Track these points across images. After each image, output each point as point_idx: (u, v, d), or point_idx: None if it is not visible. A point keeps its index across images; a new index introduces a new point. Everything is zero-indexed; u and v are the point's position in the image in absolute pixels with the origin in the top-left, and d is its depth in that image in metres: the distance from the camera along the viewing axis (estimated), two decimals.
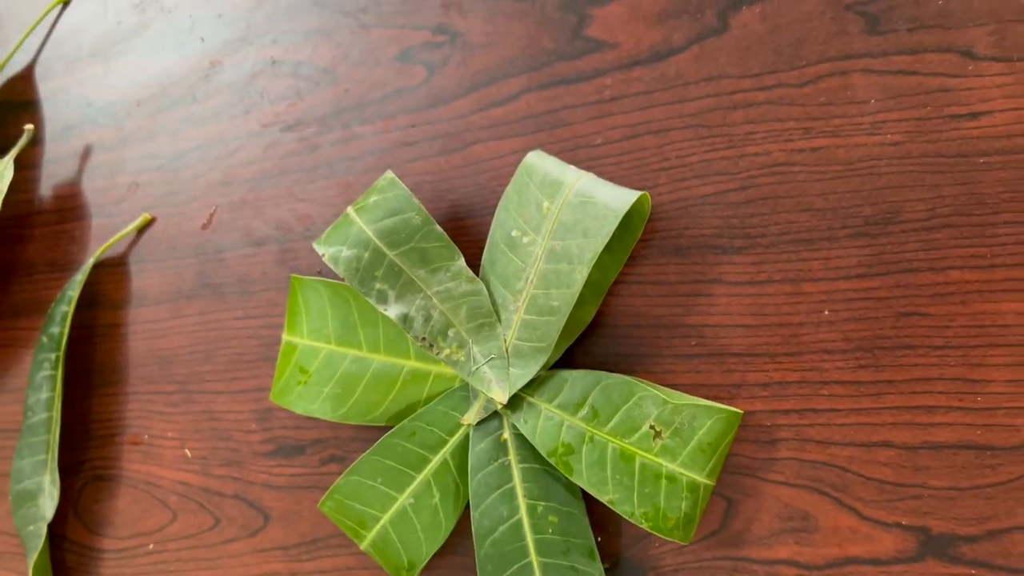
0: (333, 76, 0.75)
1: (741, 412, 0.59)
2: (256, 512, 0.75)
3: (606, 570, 0.64)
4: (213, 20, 0.81)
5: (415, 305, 0.63)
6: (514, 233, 0.61)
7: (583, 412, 0.60)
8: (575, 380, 0.61)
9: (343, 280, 0.66)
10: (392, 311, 0.63)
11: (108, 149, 0.84)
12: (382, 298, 0.63)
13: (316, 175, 0.75)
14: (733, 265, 0.62)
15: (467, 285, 0.62)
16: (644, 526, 0.58)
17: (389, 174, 0.65)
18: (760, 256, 0.61)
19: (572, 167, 0.63)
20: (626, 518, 0.60)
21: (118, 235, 0.82)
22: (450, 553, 0.69)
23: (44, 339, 0.81)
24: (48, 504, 0.79)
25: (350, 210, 0.65)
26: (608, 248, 0.63)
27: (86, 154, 0.85)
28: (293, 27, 0.77)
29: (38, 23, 0.88)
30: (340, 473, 0.70)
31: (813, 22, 0.61)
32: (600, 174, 0.65)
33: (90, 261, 0.81)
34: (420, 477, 0.65)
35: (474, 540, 0.63)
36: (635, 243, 0.64)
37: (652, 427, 0.58)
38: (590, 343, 0.65)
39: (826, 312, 0.59)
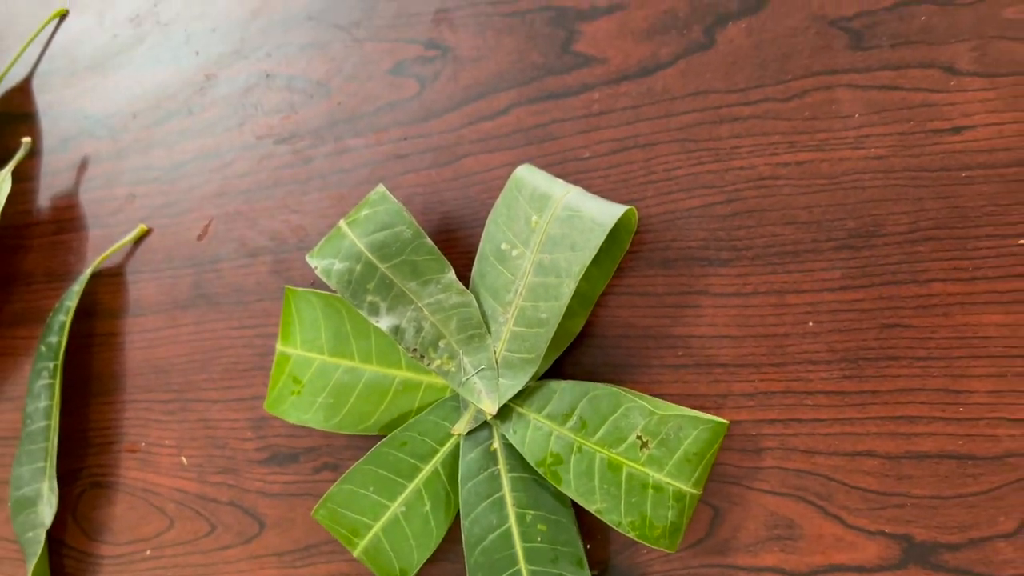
0: (326, 89, 0.75)
1: (727, 422, 0.59)
2: (251, 519, 0.75)
3: None
4: (208, 34, 0.81)
5: (406, 317, 0.63)
6: (503, 246, 0.61)
7: (571, 423, 0.60)
8: (564, 391, 0.61)
9: (336, 292, 0.66)
10: (384, 323, 0.63)
11: (105, 161, 0.84)
12: (374, 310, 0.63)
13: (309, 187, 0.75)
14: (719, 277, 0.62)
15: (457, 297, 0.62)
16: (631, 535, 0.58)
17: (380, 188, 0.65)
18: (746, 268, 0.61)
19: (560, 181, 0.63)
20: (613, 527, 0.60)
21: (115, 246, 0.81)
22: (441, 560, 0.68)
23: (42, 348, 0.81)
24: (47, 511, 0.79)
25: (342, 223, 0.65)
26: (596, 260, 0.63)
27: (83, 166, 0.85)
28: (287, 41, 0.77)
29: (35, 36, 0.88)
30: (334, 480, 0.70)
31: (798, 37, 0.61)
32: (588, 187, 0.66)
33: (88, 271, 0.81)
34: (411, 486, 0.65)
35: (464, 548, 0.62)
36: (622, 255, 0.64)
37: (639, 437, 0.58)
38: (579, 353, 0.65)
39: (811, 323, 0.60)
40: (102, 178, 0.84)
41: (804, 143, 0.61)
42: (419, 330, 0.62)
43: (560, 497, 0.62)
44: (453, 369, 0.62)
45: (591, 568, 0.63)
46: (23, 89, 0.90)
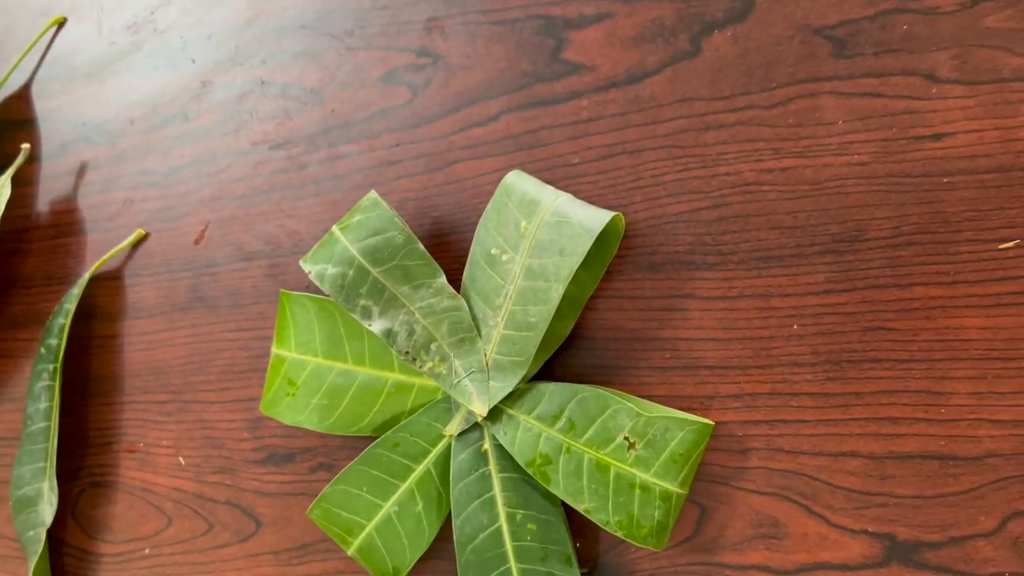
0: (320, 96, 0.75)
1: (712, 423, 0.59)
2: (248, 518, 0.75)
3: (585, 575, 0.64)
4: (203, 41, 0.81)
5: (398, 320, 0.63)
6: (493, 251, 0.61)
7: (560, 424, 0.60)
8: (553, 393, 0.61)
9: (329, 296, 0.66)
10: (376, 326, 0.63)
11: (103, 166, 0.84)
12: (366, 314, 0.63)
13: (304, 192, 0.75)
14: (705, 281, 0.62)
15: (448, 301, 0.62)
16: (619, 534, 0.58)
17: (372, 194, 0.65)
18: (731, 272, 0.61)
19: (549, 187, 0.63)
20: (601, 526, 0.60)
21: (113, 250, 0.81)
22: (433, 559, 0.69)
23: (42, 350, 0.81)
24: (47, 510, 0.79)
25: (335, 229, 0.65)
26: (584, 264, 0.63)
27: (81, 171, 0.85)
28: (281, 49, 0.77)
29: (34, 43, 0.88)
30: (329, 480, 0.70)
31: (782, 46, 0.61)
32: (577, 192, 0.66)
33: (86, 275, 0.81)
34: (404, 486, 0.65)
35: (455, 547, 0.63)
36: (610, 260, 0.64)
37: (626, 438, 0.58)
38: (568, 356, 0.65)
39: (795, 326, 0.60)
40: (100, 183, 0.84)
41: (788, 149, 0.61)
42: (411, 333, 0.62)
43: (549, 497, 0.62)
44: (444, 371, 0.62)
45: (581, 566, 0.64)
46: (22, 96, 0.89)
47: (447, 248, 0.69)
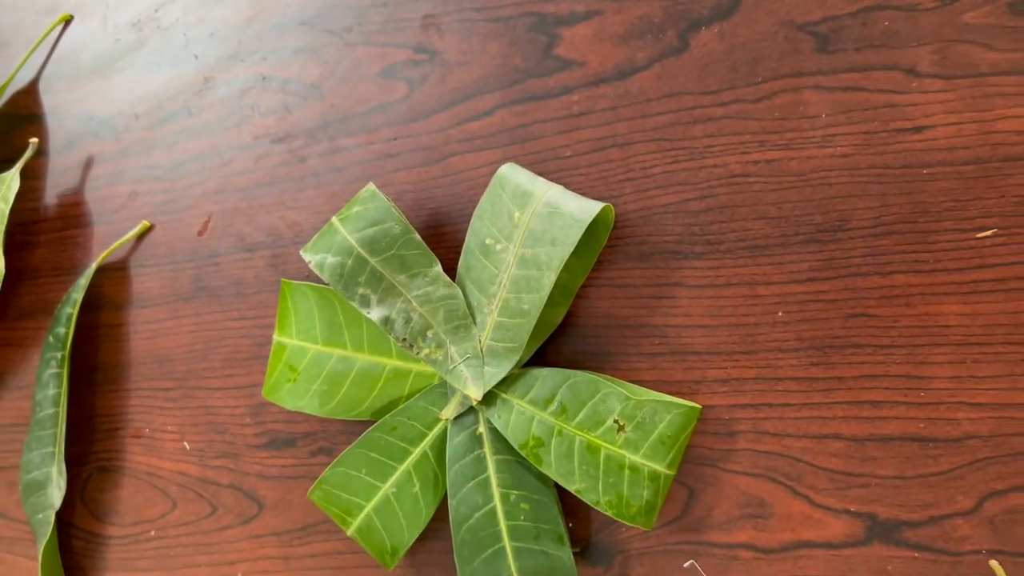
0: (320, 91, 0.75)
1: (699, 407, 0.59)
2: (251, 501, 0.75)
3: (577, 554, 0.64)
4: (206, 38, 0.81)
5: (396, 308, 0.63)
6: (488, 241, 0.62)
7: (552, 407, 0.60)
8: (545, 377, 0.61)
9: (329, 285, 0.66)
10: (374, 314, 0.63)
11: (109, 160, 0.84)
12: (365, 302, 0.63)
13: (304, 185, 0.75)
14: (693, 270, 0.62)
15: (444, 289, 0.62)
16: (609, 513, 0.58)
17: (371, 186, 0.65)
18: (718, 261, 0.61)
19: (542, 179, 0.63)
20: (591, 506, 0.60)
21: (119, 241, 0.81)
22: (431, 539, 0.69)
23: (50, 339, 0.81)
24: (56, 493, 0.79)
25: (334, 220, 0.65)
26: (576, 254, 0.64)
27: (88, 165, 0.85)
28: (282, 45, 0.77)
29: (41, 41, 0.88)
30: (329, 464, 0.70)
31: (767, 42, 0.61)
32: (569, 184, 0.66)
33: (93, 265, 0.81)
34: (402, 468, 0.65)
35: (451, 526, 0.63)
36: (601, 249, 0.64)
37: (616, 421, 0.59)
38: (561, 342, 0.65)
39: (780, 313, 0.60)
40: (106, 177, 0.84)
41: (773, 142, 0.61)
42: (408, 321, 0.63)
43: (542, 478, 0.62)
44: (440, 357, 0.62)
45: (573, 545, 0.64)
46: (30, 92, 0.89)
47: (443, 238, 0.69)
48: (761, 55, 0.62)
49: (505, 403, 0.62)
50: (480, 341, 0.61)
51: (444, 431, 0.65)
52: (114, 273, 0.83)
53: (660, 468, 0.58)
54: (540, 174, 0.66)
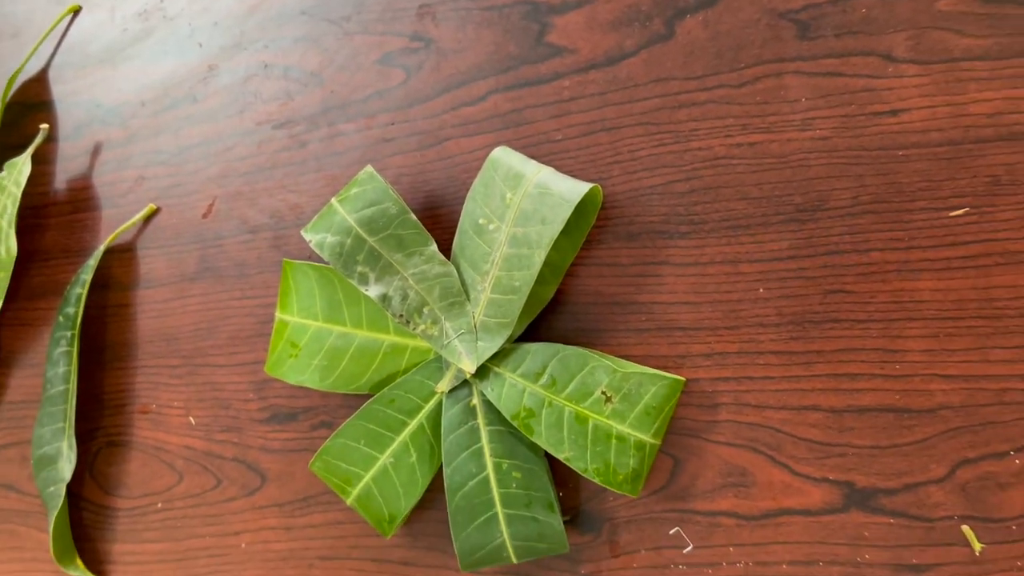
0: (320, 79, 0.76)
1: (683, 379, 0.60)
2: (254, 473, 0.76)
3: (567, 522, 0.65)
4: (210, 28, 0.81)
5: (393, 286, 0.63)
6: (481, 221, 0.62)
7: (543, 380, 0.61)
8: (536, 352, 0.62)
9: (329, 263, 0.67)
10: (372, 291, 0.63)
11: (116, 146, 0.84)
12: (363, 280, 0.64)
13: (305, 168, 0.75)
14: (678, 248, 0.63)
15: (439, 267, 0.63)
16: (596, 480, 0.59)
17: (368, 168, 0.66)
18: (703, 240, 0.62)
19: (533, 162, 0.63)
20: (580, 473, 0.61)
21: (126, 224, 0.82)
22: (428, 508, 0.69)
23: (60, 318, 0.81)
24: (66, 467, 0.80)
25: (334, 201, 0.66)
26: (566, 233, 0.64)
27: (96, 150, 0.85)
28: (283, 34, 0.78)
29: (50, 31, 0.88)
30: (329, 437, 0.71)
31: (750, 29, 0.62)
32: (559, 167, 0.66)
33: (101, 247, 0.82)
34: (399, 439, 0.66)
35: (446, 494, 0.63)
36: (590, 229, 0.64)
37: (604, 393, 0.59)
38: (552, 319, 0.66)
39: (761, 290, 0.60)
40: (114, 162, 0.84)
41: (756, 126, 0.61)
42: (405, 298, 0.63)
43: (533, 447, 0.63)
44: (436, 333, 0.63)
45: (564, 514, 0.64)
46: (40, 80, 0.90)
47: (439, 219, 0.70)
48: (744, 42, 0.62)
49: (498, 376, 0.62)
50: (474, 317, 0.62)
51: (439, 403, 0.65)
52: (122, 255, 0.83)
53: (646, 438, 0.59)
54: (532, 157, 0.66)
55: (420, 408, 0.66)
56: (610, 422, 0.59)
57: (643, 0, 0.65)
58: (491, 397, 0.62)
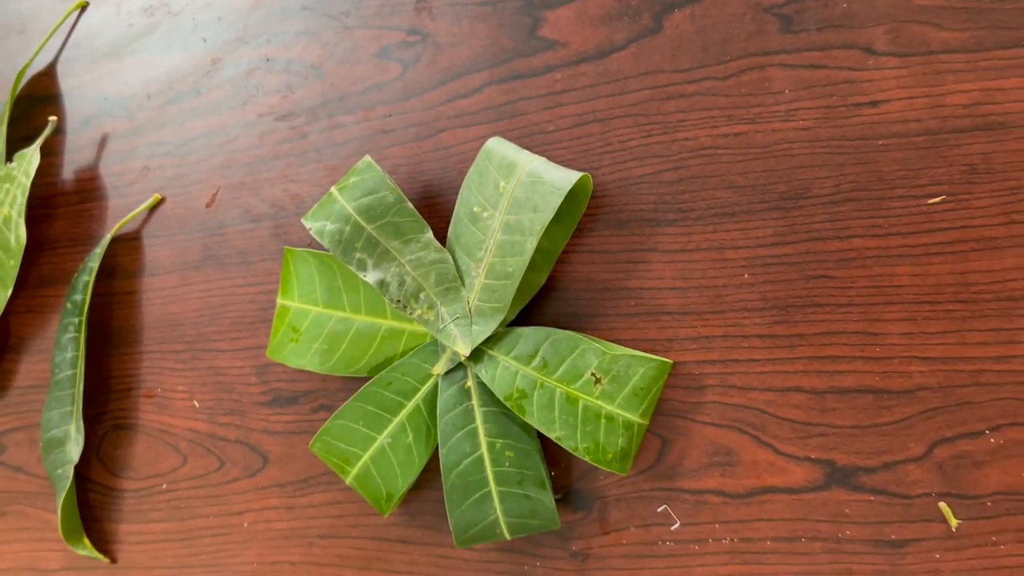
0: (320, 72, 0.76)
1: (670, 362, 0.61)
2: (256, 455, 0.77)
3: (559, 500, 0.65)
4: (214, 22, 0.81)
5: (390, 272, 0.64)
6: (475, 209, 0.63)
7: (535, 362, 0.61)
8: (528, 335, 0.62)
9: (329, 251, 0.67)
10: (371, 277, 0.64)
11: (122, 138, 0.85)
12: (362, 266, 0.64)
13: (306, 159, 0.76)
14: (666, 236, 0.63)
15: (435, 254, 0.64)
16: (586, 459, 0.60)
17: (367, 158, 0.66)
18: (690, 228, 0.63)
19: (526, 152, 0.64)
20: (571, 452, 0.61)
21: (132, 213, 0.82)
22: (425, 488, 0.70)
23: (68, 305, 0.81)
24: (74, 449, 0.80)
25: (333, 190, 0.66)
26: (557, 221, 0.65)
27: (103, 142, 0.85)
28: (284, 28, 0.78)
29: (58, 26, 0.88)
30: (328, 419, 0.71)
31: (735, 23, 0.62)
32: (552, 157, 0.67)
33: (108, 236, 0.82)
34: (396, 420, 0.66)
35: (442, 473, 0.64)
36: (580, 216, 0.65)
37: (593, 374, 0.60)
38: (544, 304, 0.66)
39: (746, 276, 0.61)
40: (120, 153, 0.85)
41: (741, 116, 0.62)
42: (402, 284, 0.64)
43: (525, 427, 0.63)
44: (432, 318, 0.64)
45: (556, 492, 0.65)
46: (48, 74, 0.90)
47: (435, 208, 0.70)
48: (730, 35, 0.63)
49: (491, 359, 0.63)
50: (468, 302, 0.63)
51: (435, 385, 0.66)
52: (128, 243, 0.84)
53: (634, 417, 0.60)
54: (525, 148, 0.67)
55: (417, 390, 0.66)
56: (599, 403, 0.60)
57: None
58: (485, 379, 0.63)
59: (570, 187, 0.60)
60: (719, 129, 0.62)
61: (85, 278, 0.81)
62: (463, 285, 0.63)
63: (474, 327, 0.62)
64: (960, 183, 0.57)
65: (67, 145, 0.88)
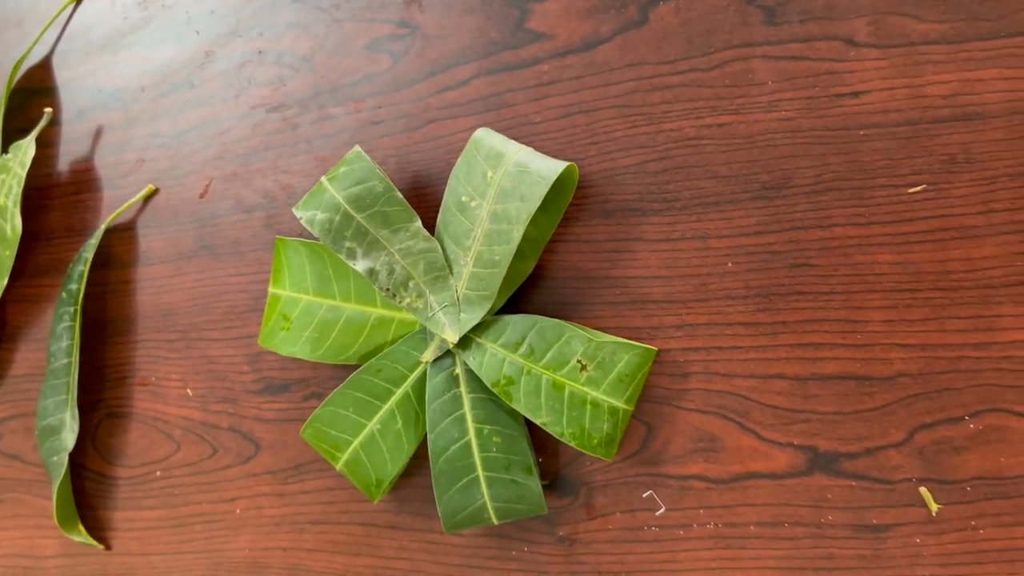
0: (311, 64, 0.76)
1: (655, 349, 0.61)
2: (248, 442, 0.77)
3: (546, 486, 0.66)
4: (207, 16, 0.81)
5: (380, 261, 0.64)
6: (463, 198, 0.63)
7: (522, 350, 0.61)
8: (515, 323, 0.62)
9: (319, 240, 0.67)
10: (360, 266, 0.64)
11: (117, 129, 0.85)
12: (351, 255, 0.64)
13: (297, 150, 0.76)
14: (651, 225, 0.63)
15: (424, 243, 0.64)
16: (572, 444, 0.60)
17: (356, 148, 0.66)
18: (674, 217, 0.63)
19: (513, 142, 0.64)
20: (557, 438, 0.62)
21: (126, 204, 0.82)
22: (414, 474, 0.70)
23: (64, 295, 0.81)
24: (69, 437, 0.80)
25: (323, 180, 0.66)
26: (544, 210, 0.65)
27: (98, 134, 0.85)
28: (276, 21, 0.78)
29: (54, 19, 0.88)
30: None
31: (719, 15, 0.62)
32: (539, 148, 0.67)
33: (102, 227, 0.82)
34: (386, 406, 0.66)
35: (430, 458, 0.64)
36: (567, 206, 0.65)
37: (579, 361, 0.60)
38: (531, 292, 0.67)
39: (730, 264, 0.61)
40: (115, 144, 0.85)
41: (725, 107, 0.62)
42: (391, 272, 0.64)
43: (513, 414, 0.64)
44: (421, 306, 0.64)
45: (543, 479, 0.65)
46: (44, 66, 0.90)
47: (424, 198, 0.70)
48: (714, 27, 0.63)
49: (479, 346, 0.63)
50: (456, 290, 0.63)
51: (424, 373, 0.66)
52: (122, 234, 0.83)
53: (619, 403, 0.60)
54: (513, 139, 0.67)
55: (406, 377, 0.66)
56: (585, 389, 0.60)
57: None
58: (473, 366, 0.63)
59: (556, 176, 0.60)
60: (703, 120, 0.62)
61: (80, 268, 0.81)
62: (451, 273, 0.63)
63: (462, 315, 0.62)
64: (940, 172, 0.57)
65: (62, 136, 0.88)
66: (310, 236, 0.74)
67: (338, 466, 0.68)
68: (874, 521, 0.57)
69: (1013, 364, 0.55)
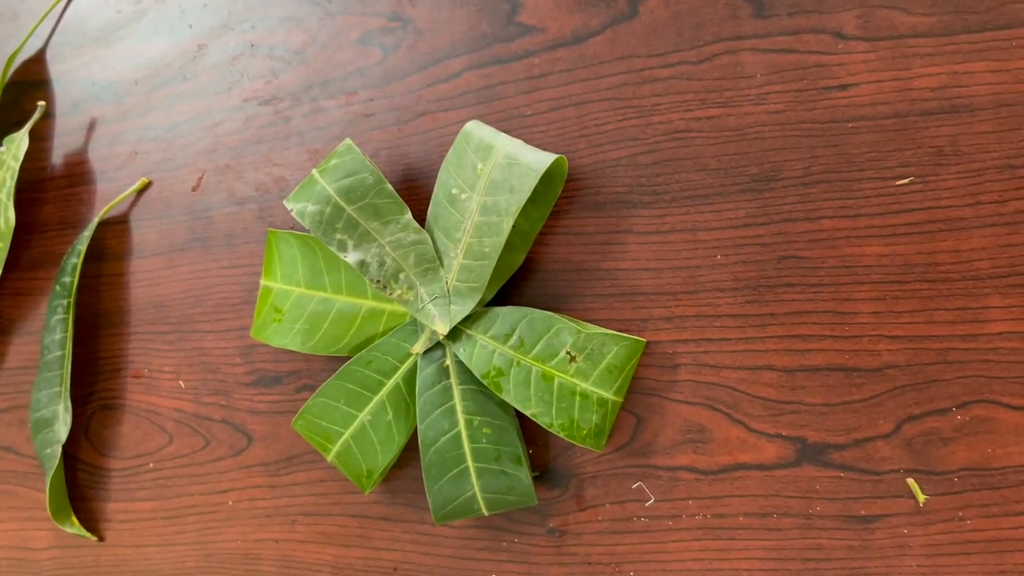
0: (303, 57, 0.76)
1: (644, 340, 0.61)
2: (241, 434, 0.77)
3: (536, 477, 0.66)
4: (199, 9, 0.81)
5: (371, 253, 0.64)
6: (454, 191, 0.63)
7: (511, 341, 0.61)
8: (505, 315, 0.62)
9: (311, 232, 0.67)
10: (351, 258, 0.64)
11: (110, 122, 0.84)
12: (342, 247, 0.64)
13: (289, 143, 0.75)
14: (641, 217, 0.63)
15: (414, 235, 0.63)
16: (561, 435, 0.60)
17: (347, 141, 0.66)
18: (664, 209, 0.63)
19: (503, 135, 0.64)
20: (546, 428, 0.61)
21: (120, 197, 0.82)
22: (405, 466, 0.70)
23: (57, 287, 0.81)
24: (62, 429, 0.80)
25: (314, 172, 0.66)
26: (534, 202, 0.65)
27: (91, 127, 0.85)
28: (268, 15, 0.78)
29: (48, 12, 0.88)
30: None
31: (709, 8, 0.62)
32: (529, 141, 0.67)
33: (96, 219, 0.82)
34: (376, 398, 0.66)
35: (420, 449, 0.64)
36: (557, 198, 0.65)
37: (568, 353, 0.60)
38: (521, 285, 0.67)
39: (719, 256, 0.61)
40: (108, 137, 0.84)
41: (714, 100, 0.62)
42: (382, 264, 0.64)
43: (502, 405, 0.63)
44: (411, 298, 0.64)
45: (533, 470, 0.65)
46: (38, 59, 0.89)
47: (415, 191, 0.70)
48: (703, 20, 0.63)
49: (469, 338, 0.63)
50: (447, 282, 0.63)
51: (414, 364, 0.66)
52: (115, 226, 0.83)
53: (608, 395, 0.60)
54: (504, 131, 0.67)
55: (396, 369, 0.66)
56: (574, 380, 0.60)
57: None
58: (463, 358, 0.63)
59: (545, 168, 0.60)
60: (693, 113, 0.62)
61: (73, 260, 0.81)
62: (442, 265, 0.63)
63: (452, 307, 0.62)
64: (928, 165, 0.57)
65: (56, 130, 0.87)
66: (302, 229, 0.73)
67: (329, 457, 0.68)
68: (862, 512, 0.57)
69: (1000, 356, 0.55)
